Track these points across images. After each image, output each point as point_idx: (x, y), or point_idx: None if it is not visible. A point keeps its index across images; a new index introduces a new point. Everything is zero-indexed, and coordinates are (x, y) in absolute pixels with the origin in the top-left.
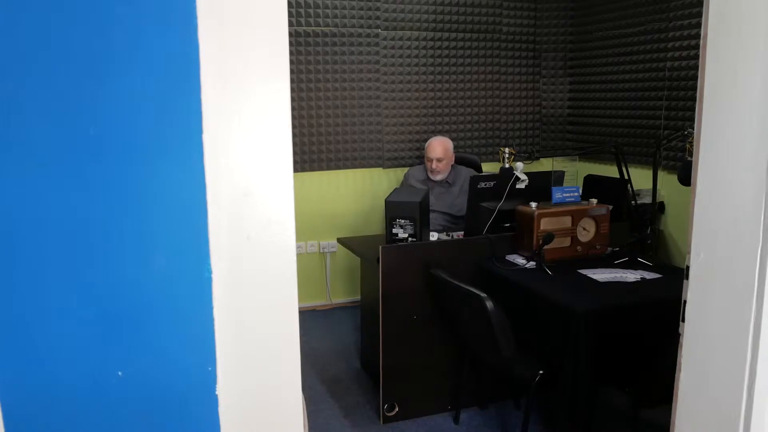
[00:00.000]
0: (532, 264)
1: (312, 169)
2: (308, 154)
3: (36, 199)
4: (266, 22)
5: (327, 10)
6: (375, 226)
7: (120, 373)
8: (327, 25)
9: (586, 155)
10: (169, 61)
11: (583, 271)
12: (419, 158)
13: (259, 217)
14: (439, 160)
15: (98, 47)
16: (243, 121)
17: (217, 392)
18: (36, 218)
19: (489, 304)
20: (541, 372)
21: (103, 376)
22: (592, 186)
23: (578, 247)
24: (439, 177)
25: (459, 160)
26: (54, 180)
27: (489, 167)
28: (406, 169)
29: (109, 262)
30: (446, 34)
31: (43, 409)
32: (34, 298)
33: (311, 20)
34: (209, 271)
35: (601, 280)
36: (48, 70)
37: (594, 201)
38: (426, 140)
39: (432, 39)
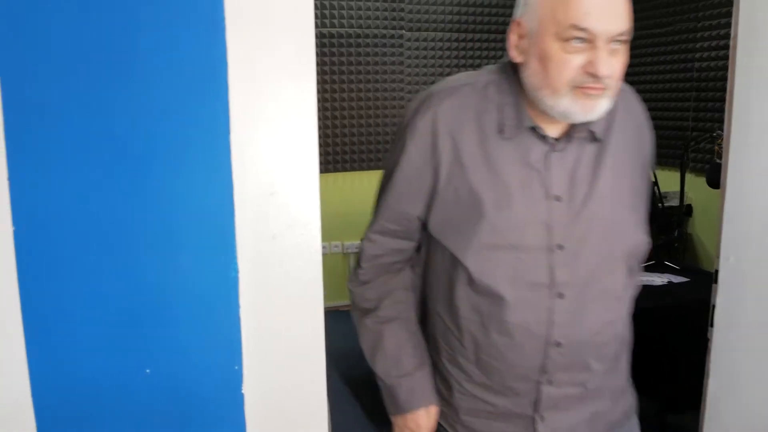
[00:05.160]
0: None
1: (336, 170)
2: (332, 155)
3: (64, 198)
4: (293, 24)
5: (351, 11)
6: None
7: (148, 370)
8: (351, 26)
9: None
10: (198, 62)
11: None
12: None
13: (285, 218)
14: (619, 38)
15: (127, 48)
16: (269, 122)
17: (243, 391)
18: (65, 218)
19: None
20: None
21: (131, 374)
22: None
23: None
24: (598, 111)
25: None
26: (82, 179)
27: None
28: None
29: (137, 261)
30: (471, 35)
31: (72, 404)
32: (63, 296)
33: (335, 21)
34: (236, 271)
35: None
36: (78, 71)
37: None
38: None
39: (457, 40)
